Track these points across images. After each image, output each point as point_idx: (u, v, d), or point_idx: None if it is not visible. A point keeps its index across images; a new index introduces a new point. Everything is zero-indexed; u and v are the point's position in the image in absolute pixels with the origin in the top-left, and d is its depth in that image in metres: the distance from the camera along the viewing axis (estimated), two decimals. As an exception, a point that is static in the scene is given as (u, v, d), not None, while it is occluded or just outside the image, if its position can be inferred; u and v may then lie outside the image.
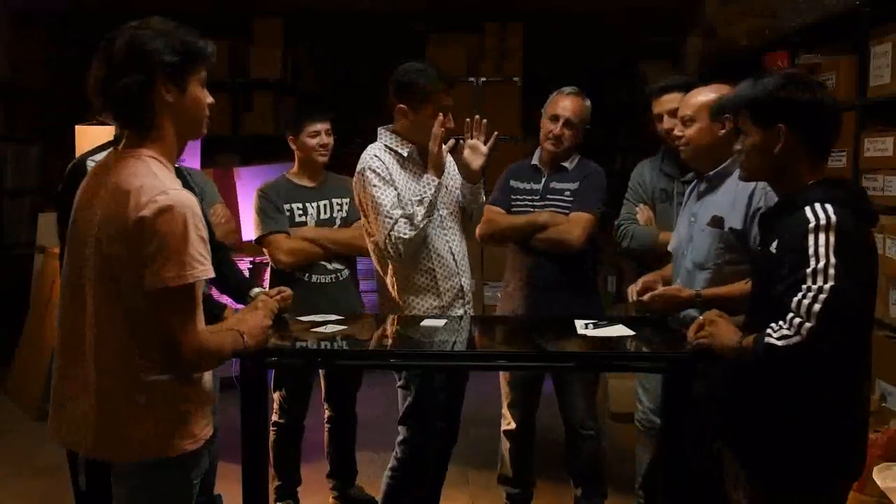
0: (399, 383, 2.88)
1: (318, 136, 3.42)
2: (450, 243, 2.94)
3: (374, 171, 2.81)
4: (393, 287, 2.94)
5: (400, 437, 2.90)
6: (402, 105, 2.84)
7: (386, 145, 2.89)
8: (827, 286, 1.82)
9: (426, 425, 2.87)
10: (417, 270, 2.89)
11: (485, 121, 2.94)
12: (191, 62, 1.84)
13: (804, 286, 1.85)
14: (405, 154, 2.88)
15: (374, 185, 2.80)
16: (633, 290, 2.68)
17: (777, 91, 1.99)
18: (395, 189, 2.82)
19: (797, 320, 1.84)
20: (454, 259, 2.94)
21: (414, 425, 2.87)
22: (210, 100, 1.91)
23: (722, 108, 2.59)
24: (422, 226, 2.78)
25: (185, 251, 1.73)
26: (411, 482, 2.91)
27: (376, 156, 2.85)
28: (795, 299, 1.85)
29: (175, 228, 1.73)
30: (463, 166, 2.96)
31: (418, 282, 2.90)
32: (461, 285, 2.95)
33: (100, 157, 2.81)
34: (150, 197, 1.73)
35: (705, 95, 2.66)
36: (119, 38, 1.80)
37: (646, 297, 2.59)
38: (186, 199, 1.77)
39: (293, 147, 3.48)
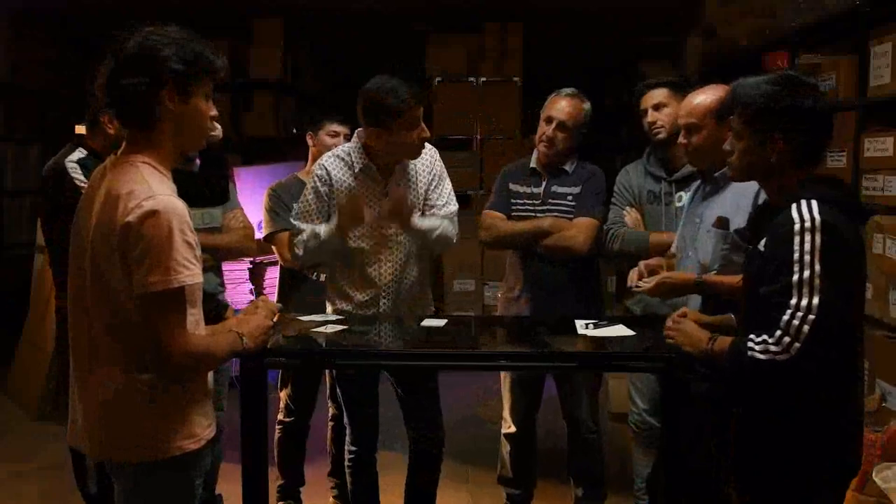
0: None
1: (337, 137, 3.46)
2: (383, 264, 2.89)
3: (315, 177, 2.90)
4: (328, 287, 3.02)
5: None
6: (371, 128, 2.78)
7: (348, 150, 2.89)
8: (815, 302, 1.83)
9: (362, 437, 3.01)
10: (338, 270, 2.95)
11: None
12: (198, 73, 1.84)
13: (792, 302, 1.86)
14: (357, 169, 2.87)
15: (309, 186, 2.91)
16: (633, 275, 2.65)
17: (775, 100, 1.98)
18: (324, 203, 2.87)
19: (786, 339, 1.86)
20: (378, 279, 2.89)
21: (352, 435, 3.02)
22: (214, 112, 1.92)
23: (728, 110, 2.59)
24: (306, 254, 2.85)
25: (170, 256, 1.74)
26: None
27: (324, 165, 2.90)
28: (784, 318, 1.86)
29: (160, 233, 1.73)
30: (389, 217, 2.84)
31: (338, 280, 2.95)
32: (379, 304, 2.91)
33: (78, 156, 2.87)
34: (136, 202, 1.74)
35: (708, 99, 2.63)
36: (132, 38, 1.81)
37: (650, 282, 2.57)
38: (173, 205, 1.77)
39: (310, 143, 3.53)
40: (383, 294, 2.91)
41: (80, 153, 2.90)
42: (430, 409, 3.04)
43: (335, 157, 2.91)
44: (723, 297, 2.46)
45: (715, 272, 2.58)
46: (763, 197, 2.51)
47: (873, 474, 2.63)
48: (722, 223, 2.59)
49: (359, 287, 2.91)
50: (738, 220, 2.55)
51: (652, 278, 2.57)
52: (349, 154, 2.89)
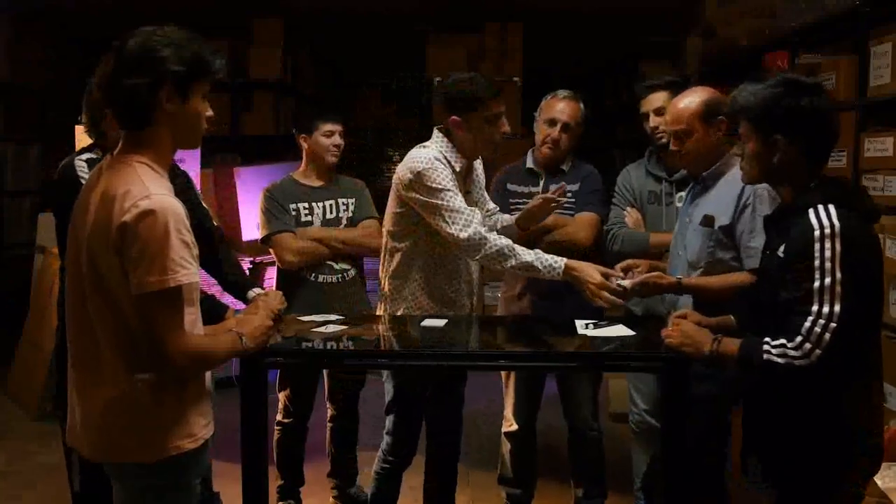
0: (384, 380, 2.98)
1: (333, 136, 3.43)
2: (472, 265, 2.96)
3: (439, 172, 2.75)
4: (413, 291, 2.89)
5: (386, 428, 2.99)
6: (454, 117, 2.80)
7: (442, 152, 2.84)
8: (836, 310, 1.85)
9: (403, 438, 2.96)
10: (447, 281, 2.89)
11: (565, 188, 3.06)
12: (197, 74, 1.85)
13: (813, 309, 1.87)
14: (457, 168, 2.84)
15: (444, 184, 2.73)
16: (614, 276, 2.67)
17: (774, 103, 1.99)
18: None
19: (807, 346, 1.87)
20: (472, 281, 2.98)
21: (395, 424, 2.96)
22: (210, 113, 1.92)
23: (714, 111, 2.60)
24: (507, 266, 2.73)
25: (167, 255, 1.74)
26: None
27: (437, 159, 2.79)
28: (806, 325, 1.87)
29: (156, 233, 1.73)
30: (527, 215, 3.01)
31: (444, 293, 2.89)
32: (471, 304, 2.99)
33: (87, 156, 2.85)
34: (132, 202, 1.74)
35: (693, 104, 2.64)
36: (133, 39, 1.82)
37: (627, 283, 2.60)
38: (170, 204, 1.77)
39: (304, 145, 3.48)
40: (475, 291, 3.01)
41: (95, 154, 2.87)
42: (452, 418, 3.08)
43: (441, 158, 2.82)
44: (702, 300, 2.46)
45: (702, 269, 2.60)
46: (747, 194, 2.54)
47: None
48: (708, 221, 2.61)
49: (467, 292, 2.96)
50: (722, 217, 2.59)
51: (630, 282, 2.59)
52: (440, 153, 2.83)
